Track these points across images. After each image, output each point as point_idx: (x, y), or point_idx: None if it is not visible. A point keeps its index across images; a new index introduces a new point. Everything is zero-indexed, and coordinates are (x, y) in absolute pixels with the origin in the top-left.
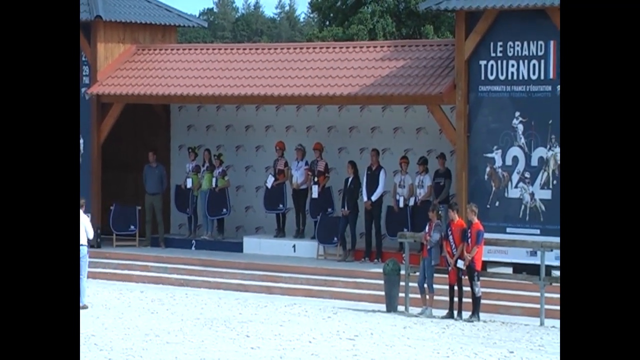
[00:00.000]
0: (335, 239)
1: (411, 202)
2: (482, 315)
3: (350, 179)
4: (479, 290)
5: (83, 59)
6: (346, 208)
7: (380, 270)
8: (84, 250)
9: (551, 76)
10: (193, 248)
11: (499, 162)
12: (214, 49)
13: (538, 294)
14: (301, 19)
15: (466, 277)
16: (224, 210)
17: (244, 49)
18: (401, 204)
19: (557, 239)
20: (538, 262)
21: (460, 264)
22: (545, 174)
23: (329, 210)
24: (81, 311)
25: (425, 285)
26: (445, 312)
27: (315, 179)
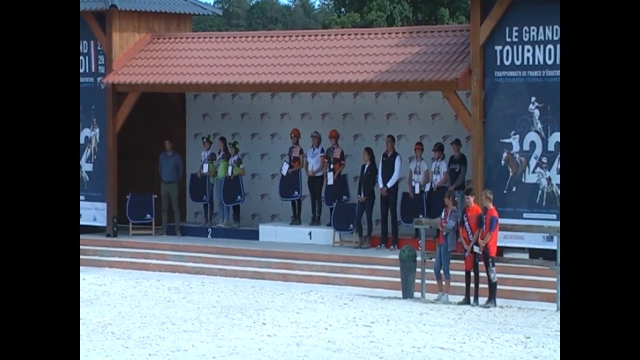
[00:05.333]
0: (351, 225)
1: (427, 189)
2: (498, 300)
3: (366, 166)
4: (495, 276)
5: (98, 48)
6: (362, 195)
7: (396, 256)
8: None
9: None
10: (209, 236)
11: (516, 148)
12: (229, 37)
13: (554, 280)
14: (316, 6)
15: (482, 263)
16: (238, 197)
17: (259, 37)
18: (417, 191)
19: None
20: (554, 247)
21: (477, 249)
22: None
23: (345, 197)
24: (98, 300)
25: (442, 272)
26: (461, 298)
27: (331, 166)
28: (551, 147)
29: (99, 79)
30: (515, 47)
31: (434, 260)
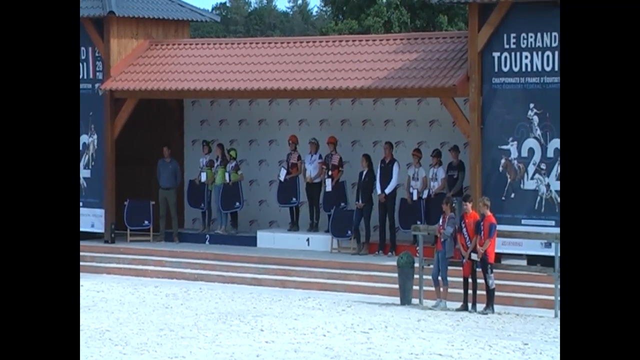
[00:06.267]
0: (349, 232)
1: (425, 195)
2: (496, 307)
3: (364, 172)
4: (493, 282)
5: (96, 54)
6: (360, 201)
7: (394, 263)
8: None
9: None
10: (207, 242)
11: (514, 154)
12: (226, 44)
13: (552, 286)
14: (314, 13)
15: (480, 270)
16: (237, 203)
17: (257, 43)
18: (415, 197)
19: None
20: (552, 253)
21: (474, 256)
22: None
23: (343, 204)
24: (96, 306)
25: (439, 278)
26: (459, 304)
27: (329, 173)
28: (550, 154)
29: (97, 85)
30: (513, 53)
31: (431, 266)
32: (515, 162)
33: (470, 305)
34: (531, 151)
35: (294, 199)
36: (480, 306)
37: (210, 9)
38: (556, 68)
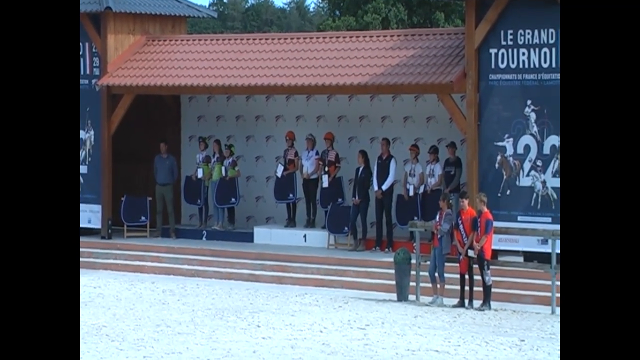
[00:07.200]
0: (346, 228)
1: (421, 191)
2: (493, 303)
3: (361, 169)
4: (490, 279)
5: (93, 50)
6: (357, 197)
7: (391, 259)
8: None
9: None
10: (204, 238)
11: (510, 151)
12: (223, 40)
13: (549, 283)
14: (311, 9)
15: (477, 266)
16: (233, 199)
17: (254, 39)
18: (411, 193)
19: None
20: (549, 250)
21: (471, 253)
22: (557, 162)
23: (339, 200)
24: (93, 302)
25: (436, 274)
26: (456, 300)
27: (326, 169)
28: (546, 150)
29: (93, 80)
30: (510, 50)
31: (428, 263)
32: (511, 158)
33: (467, 301)
34: (527, 148)
35: (291, 195)
36: (477, 303)
37: (207, 5)
38: (554, 65)
